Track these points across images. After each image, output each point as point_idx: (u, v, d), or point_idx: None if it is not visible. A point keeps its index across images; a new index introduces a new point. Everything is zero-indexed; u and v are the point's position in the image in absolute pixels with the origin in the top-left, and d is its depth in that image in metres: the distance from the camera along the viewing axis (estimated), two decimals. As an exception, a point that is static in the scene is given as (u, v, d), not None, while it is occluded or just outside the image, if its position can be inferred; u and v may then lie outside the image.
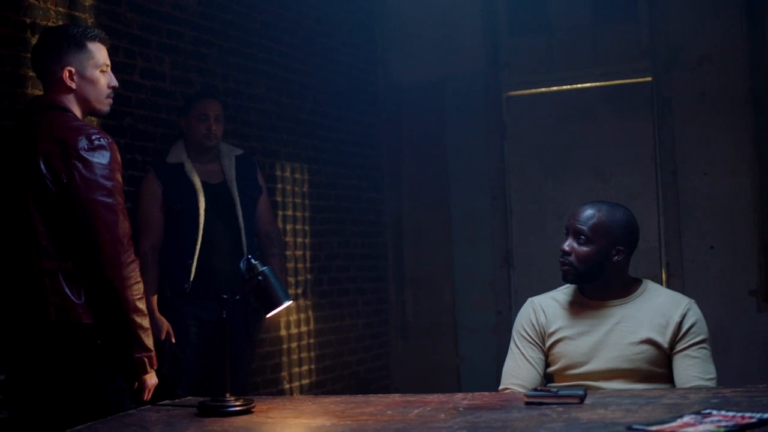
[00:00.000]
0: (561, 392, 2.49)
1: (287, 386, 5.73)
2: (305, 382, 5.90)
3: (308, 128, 6.01)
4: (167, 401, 2.89)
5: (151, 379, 3.08)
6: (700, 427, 2.00)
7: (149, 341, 3.04)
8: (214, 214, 4.44)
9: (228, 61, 5.26)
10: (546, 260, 5.65)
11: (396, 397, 2.75)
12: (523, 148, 6.52)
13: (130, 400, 3.01)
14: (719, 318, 5.59)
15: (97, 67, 3.10)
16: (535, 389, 2.56)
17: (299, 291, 5.86)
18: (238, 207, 4.49)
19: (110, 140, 3.00)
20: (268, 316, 2.66)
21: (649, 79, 6.21)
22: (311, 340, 5.98)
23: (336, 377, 6.18)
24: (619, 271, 3.03)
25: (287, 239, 5.78)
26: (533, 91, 6.57)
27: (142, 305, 2.98)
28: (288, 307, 5.71)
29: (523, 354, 3.08)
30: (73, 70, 3.06)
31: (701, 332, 2.97)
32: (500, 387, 3.09)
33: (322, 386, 6.03)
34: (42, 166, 2.94)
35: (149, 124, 4.66)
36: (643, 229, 6.10)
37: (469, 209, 6.64)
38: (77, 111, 3.09)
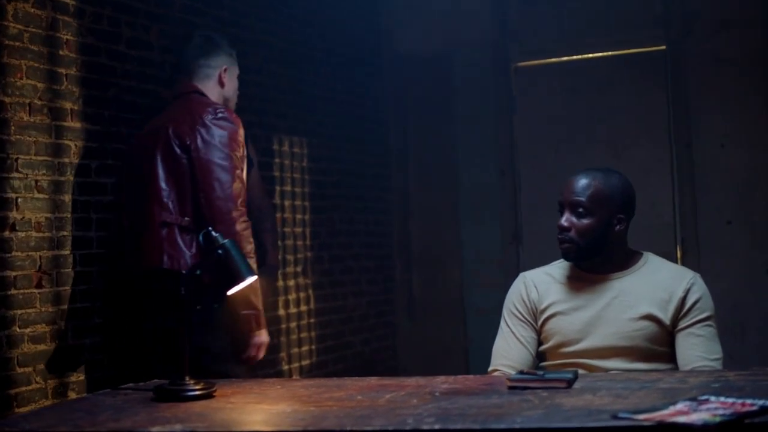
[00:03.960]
0: (547, 376, 2.28)
1: (286, 367, 5.54)
2: (305, 363, 5.71)
3: (309, 101, 5.79)
4: (130, 384, 2.71)
5: (259, 337, 3.38)
6: (694, 416, 1.78)
7: (257, 300, 3.38)
8: (202, 189, 4.25)
9: (222, 31, 5.05)
10: (556, 238, 5.41)
11: (372, 381, 2.55)
12: (532, 121, 6.28)
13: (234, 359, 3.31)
14: (736, 297, 5.36)
15: (237, 74, 3.87)
16: (521, 372, 2.36)
17: (298, 269, 5.67)
18: None
19: (235, 116, 3.50)
20: (230, 293, 2.45)
21: (663, 47, 5.95)
22: (311, 320, 5.78)
23: (337, 357, 5.98)
24: (620, 242, 2.82)
25: (286, 215, 5.58)
26: (543, 61, 6.32)
27: (252, 264, 3.25)
28: (286, 286, 5.60)
29: (513, 333, 2.87)
30: (226, 70, 3.76)
31: (706, 308, 2.75)
32: (489, 368, 2.88)
33: (323, 367, 5.83)
34: (170, 131, 3.44)
35: (136, 96, 4.45)
36: (657, 204, 5.98)
37: (477, 185, 6.40)
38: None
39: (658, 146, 5.92)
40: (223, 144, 3.41)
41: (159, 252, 3.37)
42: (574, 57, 6.20)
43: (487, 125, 6.39)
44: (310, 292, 5.77)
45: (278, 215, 5.52)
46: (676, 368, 2.71)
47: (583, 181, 2.77)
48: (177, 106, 3.62)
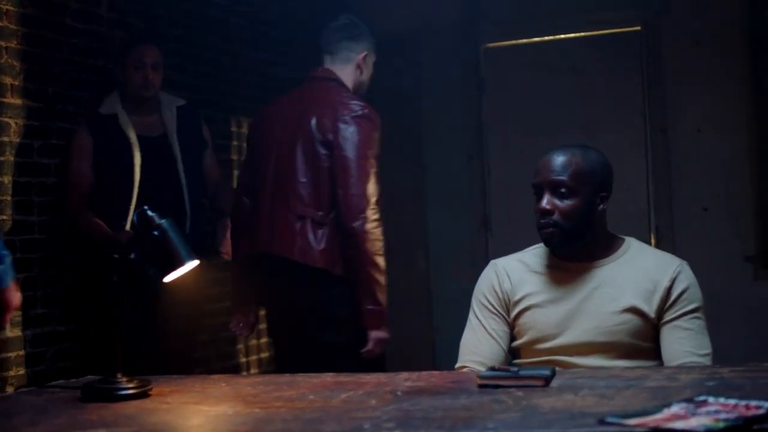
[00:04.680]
0: (522, 373, 2.04)
1: (243, 360, 5.28)
2: (264, 355, 5.45)
3: (269, 82, 5.51)
4: (61, 381, 2.45)
5: (380, 333, 3.47)
6: (693, 421, 1.54)
7: (382, 297, 3.47)
8: (151, 171, 3.96)
9: (174, 5, 4.77)
10: (527, 225, 5.15)
11: (327, 378, 2.30)
12: (502, 103, 6.03)
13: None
14: (712, 287, 5.04)
15: (374, 62, 3.83)
16: (492, 368, 2.11)
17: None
18: (180, 163, 4.02)
19: (375, 115, 3.56)
20: (167, 279, 2.19)
21: (639, 28, 5.73)
22: (271, 311, 5.51)
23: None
24: (602, 225, 2.58)
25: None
26: (513, 42, 6.07)
27: (381, 261, 3.44)
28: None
29: (483, 326, 2.62)
30: (366, 56, 3.77)
31: (694, 299, 2.52)
32: (457, 365, 2.63)
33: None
34: (313, 124, 3.49)
35: (83, 72, 4.18)
36: (632, 190, 5.75)
37: (444, 170, 6.14)
38: (350, 87, 3.70)
39: (632, 130, 5.70)
40: (363, 143, 3.49)
41: (290, 244, 3.45)
42: (546, 38, 5.96)
43: (455, 108, 6.13)
44: (270, 281, 5.51)
45: (236, 201, 5.25)
46: (661, 365, 2.48)
47: (562, 159, 2.53)
48: (316, 94, 3.65)
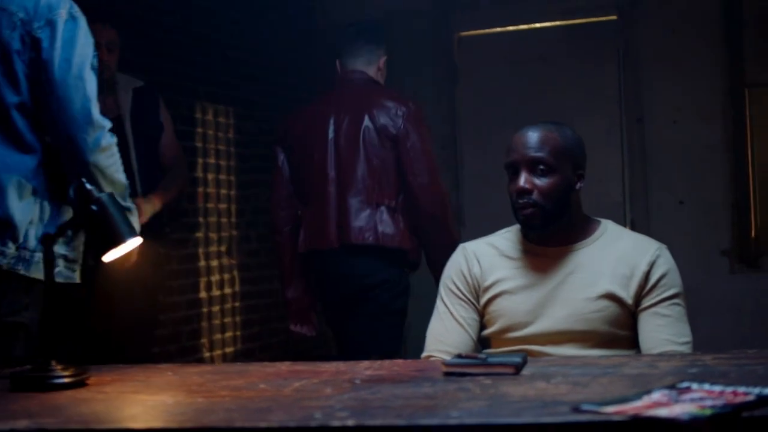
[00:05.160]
0: (491, 360, 1.89)
1: (207, 354, 5.11)
2: (229, 350, 5.28)
3: (234, 67, 5.35)
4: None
5: None
6: (677, 408, 1.40)
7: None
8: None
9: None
10: (501, 218, 5.01)
11: (283, 367, 2.14)
12: (475, 93, 5.89)
13: None
14: (687, 281, 4.94)
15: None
16: (459, 356, 1.96)
17: (222, 248, 5.24)
18: (131, 146, 3.83)
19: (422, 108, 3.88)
20: (107, 259, 2.02)
21: (614, 17, 5.61)
22: (236, 304, 5.36)
23: (265, 345, 5.56)
24: (578, 206, 2.43)
25: (209, 190, 5.16)
26: (487, 30, 5.93)
27: (456, 234, 3.86)
28: (209, 266, 5.17)
29: (451, 313, 2.46)
30: (385, 60, 3.99)
31: (673, 285, 2.38)
32: (423, 354, 2.47)
33: (249, 355, 5.41)
34: (372, 121, 3.73)
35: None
36: (606, 181, 5.60)
37: (415, 161, 5.98)
38: None
39: (608, 121, 5.58)
40: (425, 135, 3.81)
41: (373, 230, 3.68)
42: (521, 26, 5.83)
43: (427, 98, 5.93)
44: (235, 273, 5.36)
45: (200, 190, 5.09)
46: (638, 354, 2.34)
47: (538, 135, 2.38)
48: (361, 92, 3.87)
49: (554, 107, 5.62)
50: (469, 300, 2.45)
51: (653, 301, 2.34)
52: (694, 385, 1.55)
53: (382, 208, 3.71)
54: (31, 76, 2.37)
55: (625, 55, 5.54)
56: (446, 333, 2.44)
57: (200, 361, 5.01)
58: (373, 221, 3.69)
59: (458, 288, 2.46)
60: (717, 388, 1.52)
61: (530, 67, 5.74)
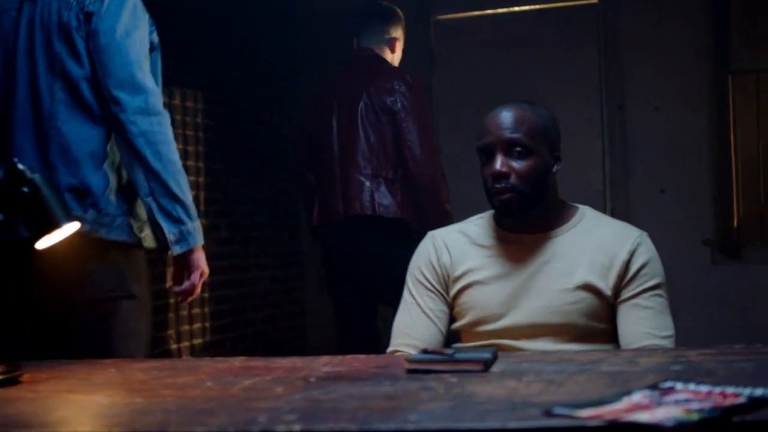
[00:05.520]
0: (458, 356, 1.74)
1: (174, 347, 4.94)
2: (197, 342, 5.12)
3: (206, 51, 5.17)
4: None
5: None
6: (660, 412, 1.25)
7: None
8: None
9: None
10: (480, 208, 4.88)
11: (236, 362, 1.99)
12: (453, 78, 5.73)
13: None
14: (668, 271, 4.81)
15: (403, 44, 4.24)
16: (425, 351, 1.81)
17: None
18: None
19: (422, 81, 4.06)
20: (41, 245, 1.86)
21: (595, 1, 5.46)
22: (205, 294, 5.18)
23: (237, 337, 5.40)
24: (555, 190, 2.29)
25: (176, 177, 4.97)
26: (465, 14, 5.77)
27: (448, 208, 3.95)
28: (166, 253, 4.99)
29: (419, 305, 2.31)
30: (398, 40, 4.19)
31: (655, 275, 2.24)
32: (389, 349, 2.32)
33: (219, 347, 5.25)
34: (372, 95, 3.88)
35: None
36: (586, 170, 5.46)
37: (391, 148, 5.83)
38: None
39: (588, 107, 5.43)
40: (422, 107, 3.91)
41: (370, 202, 3.83)
42: (499, 10, 5.67)
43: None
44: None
45: (167, 176, 4.91)
46: (618, 349, 2.20)
47: (513, 115, 2.23)
48: (366, 69, 4.02)
49: (533, 93, 5.44)
50: (437, 291, 2.30)
51: (634, 292, 2.20)
52: (679, 385, 1.41)
53: (380, 179, 3.85)
54: (89, 49, 2.51)
55: (606, 40, 5.39)
56: (413, 326, 2.29)
57: (167, 353, 4.85)
58: (371, 193, 3.84)
59: (426, 278, 2.31)
60: (704, 389, 1.38)
61: (509, 52, 5.59)
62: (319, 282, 6.04)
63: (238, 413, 1.42)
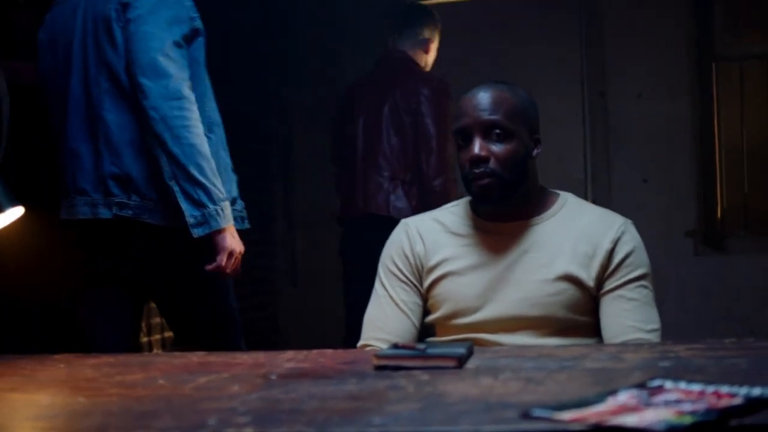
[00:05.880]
0: (431, 351, 1.62)
1: (144, 339, 4.80)
2: (168, 334, 4.98)
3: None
4: None
5: None
6: (649, 414, 1.14)
7: None
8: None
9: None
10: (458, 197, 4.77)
11: (194, 358, 1.86)
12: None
13: None
14: (651, 262, 4.76)
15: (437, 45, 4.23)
16: (395, 346, 1.69)
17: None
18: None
19: (450, 87, 4.02)
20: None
21: (577, -14, 5.34)
22: (177, 286, 5.05)
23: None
24: (535, 176, 2.17)
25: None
26: (446, 0, 5.64)
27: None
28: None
29: (391, 297, 2.18)
30: (432, 41, 4.18)
31: (640, 265, 2.12)
32: (359, 343, 2.20)
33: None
34: (398, 97, 3.96)
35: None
36: (567, 159, 5.35)
37: (368, 137, 5.70)
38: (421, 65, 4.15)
39: (569, 95, 5.31)
40: (443, 112, 3.92)
41: (385, 203, 3.92)
42: (479, -5, 5.55)
43: (380, 70, 5.68)
44: (176, 254, 5.04)
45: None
46: (600, 343, 2.08)
47: (491, 96, 2.10)
48: (396, 70, 4.08)
49: (514, 80, 5.27)
50: (411, 282, 2.18)
51: (617, 282, 2.08)
52: (668, 384, 1.29)
53: (398, 182, 3.95)
54: (125, 39, 2.59)
55: (589, 27, 5.27)
56: (385, 319, 2.17)
57: (136, 347, 4.71)
58: (387, 195, 3.95)
59: (399, 269, 2.19)
60: (696, 388, 1.26)
61: (487, 39, 5.46)
62: (293, 274, 5.93)
63: (186, 415, 1.29)
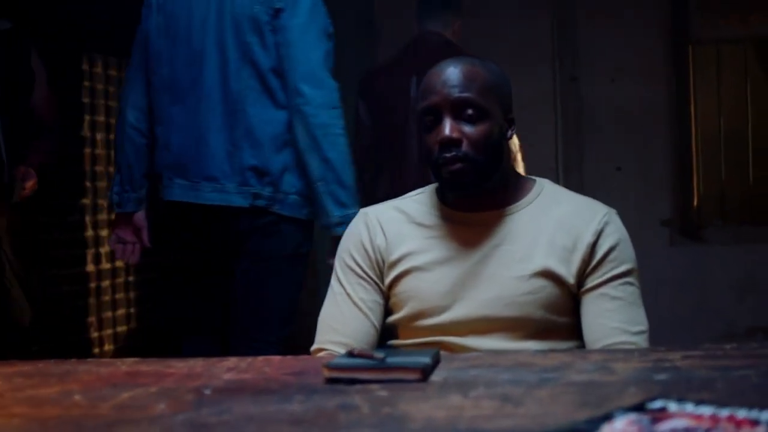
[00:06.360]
0: (390, 361, 1.40)
1: (95, 334, 4.58)
2: (121, 329, 4.76)
3: (127, 17, 4.75)
4: None
5: None
6: (655, 449, 0.93)
7: None
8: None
9: None
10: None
11: (123, 366, 1.63)
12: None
13: None
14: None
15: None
16: (350, 354, 1.47)
17: (113, 216, 4.68)
18: None
19: None
20: None
21: (549, -35, 5.15)
22: (130, 278, 4.83)
23: (165, 324, 5.03)
24: (510, 159, 1.95)
25: (97, 151, 4.61)
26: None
27: None
28: (97, 236, 4.62)
29: (349, 295, 1.95)
30: (460, 24, 4.04)
31: (626, 259, 1.91)
32: (313, 347, 1.97)
33: (147, 334, 4.88)
34: None
35: None
36: (538, 146, 5.16)
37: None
38: None
39: (539, 79, 5.12)
40: None
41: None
42: (446, -26, 5.32)
43: (346, 55, 5.44)
44: (129, 244, 4.81)
45: (87, 150, 4.54)
46: (581, 347, 1.87)
47: (462, 71, 1.88)
48: (438, 56, 3.84)
49: (483, 64, 5.15)
50: (370, 279, 1.95)
51: (601, 279, 1.87)
52: (672, 405, 1.08)
53: None
54: (277, 42, 2.77)
55: (560, 7, 5.09)
56: (342, 320, 1.94)
57: (87, 342, 4.48)
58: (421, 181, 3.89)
59: (357, 264, 1.96)
60: (706, 411, 1.05)
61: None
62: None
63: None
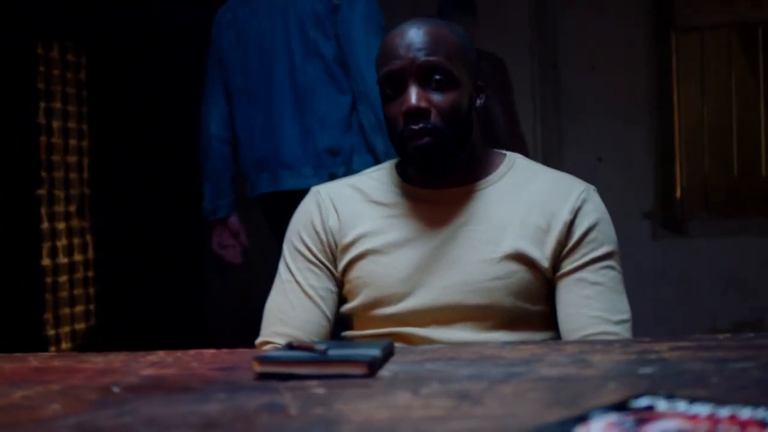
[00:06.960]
0: (332, 354, 1.21)
1: (52, 332, 4.36)
2: (80, 327, 4.54)
3: (86, 2, 4.56)
4: None
5: None
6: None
7: None
8: None
9: None
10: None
11: (33, 361, 1.43)
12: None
13: None
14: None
15: None
16: (289, 346, 1.27)
17: (71, 208, 4.48)
18: None
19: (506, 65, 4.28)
20: None
21: (527, -52, 4.98)
22: (89, 273, 4.61)
23: (125, 321, 4.82)
24: (478, 131, 1.75)
25: (54, 140, 4.39)
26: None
27: None
28: (54, 229, 4.43)
29: (298, 283, 1.75)
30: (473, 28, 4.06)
31: (606, 241, 1.72)
32: (258, 339, 1.77)
33: (107, 330, 4.67)
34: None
35: None
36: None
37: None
38: None
39: (517, 66, 4.90)
40: (502, 92, 4.11)
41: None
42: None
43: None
44: (88, 238, 4.61)
45: (43, 139, 4.32)
46: (557, 338, 1.68)
47: (428, 32, 1.68)
48: None
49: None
50: (322, 264, 1.75)
51: (578, 263, 1.67)
52: (661, 404, 0.89)
53: None
54: (337, 33, 2.95)
55: (539, -8, 4.92)
56: (290, 309, 1.74)
57: (43, 340, 4.26)
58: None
59: (307, 247, 1.76)
60: (701, 411, 0.86)
61: (432, 7, 5.07)
62: (219, 261, 5.49)
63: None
